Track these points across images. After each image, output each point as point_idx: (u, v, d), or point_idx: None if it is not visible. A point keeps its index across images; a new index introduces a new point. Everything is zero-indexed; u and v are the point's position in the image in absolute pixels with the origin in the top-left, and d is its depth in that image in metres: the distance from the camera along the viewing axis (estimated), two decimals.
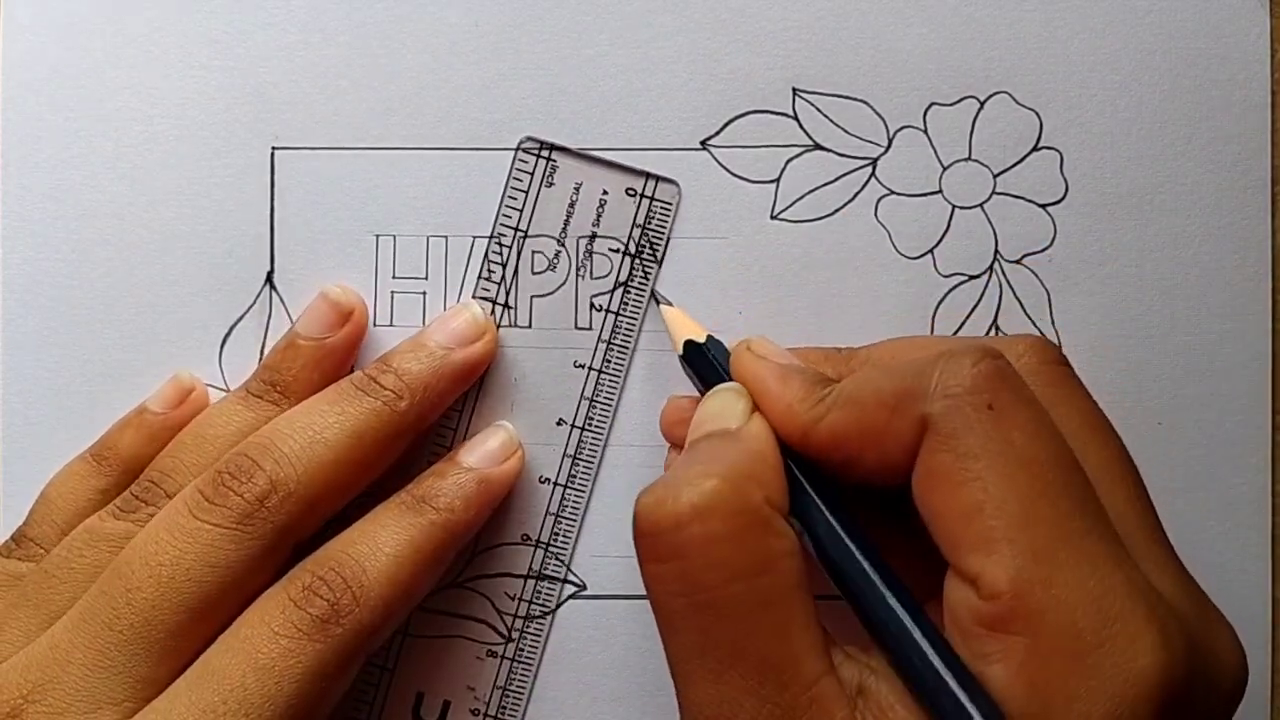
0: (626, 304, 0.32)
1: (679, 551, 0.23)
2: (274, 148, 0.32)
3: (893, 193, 0.32)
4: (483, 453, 0.30)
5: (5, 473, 0.32)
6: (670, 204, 0.31)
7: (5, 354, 0.32)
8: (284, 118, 0.32)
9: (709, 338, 0.29)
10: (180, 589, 0.27)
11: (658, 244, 0.31)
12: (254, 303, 0.32)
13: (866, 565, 0.24)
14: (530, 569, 0.31)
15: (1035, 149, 0.32)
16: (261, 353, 0.32)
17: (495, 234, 0.32)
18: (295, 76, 0.32)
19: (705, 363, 0.29)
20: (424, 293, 0.32)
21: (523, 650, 0.31)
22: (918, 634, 0.23)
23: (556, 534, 0.31)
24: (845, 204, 0.32)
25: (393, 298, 0.32)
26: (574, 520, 0.31)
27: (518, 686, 0.31)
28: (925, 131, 0.32)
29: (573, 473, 0.31)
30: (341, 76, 0.32)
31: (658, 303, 0.31)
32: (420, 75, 0.32)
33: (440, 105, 0.32)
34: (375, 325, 0.32)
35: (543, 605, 0.31)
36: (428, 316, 0.32)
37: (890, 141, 0.32)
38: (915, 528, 0.24)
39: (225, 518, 0.27)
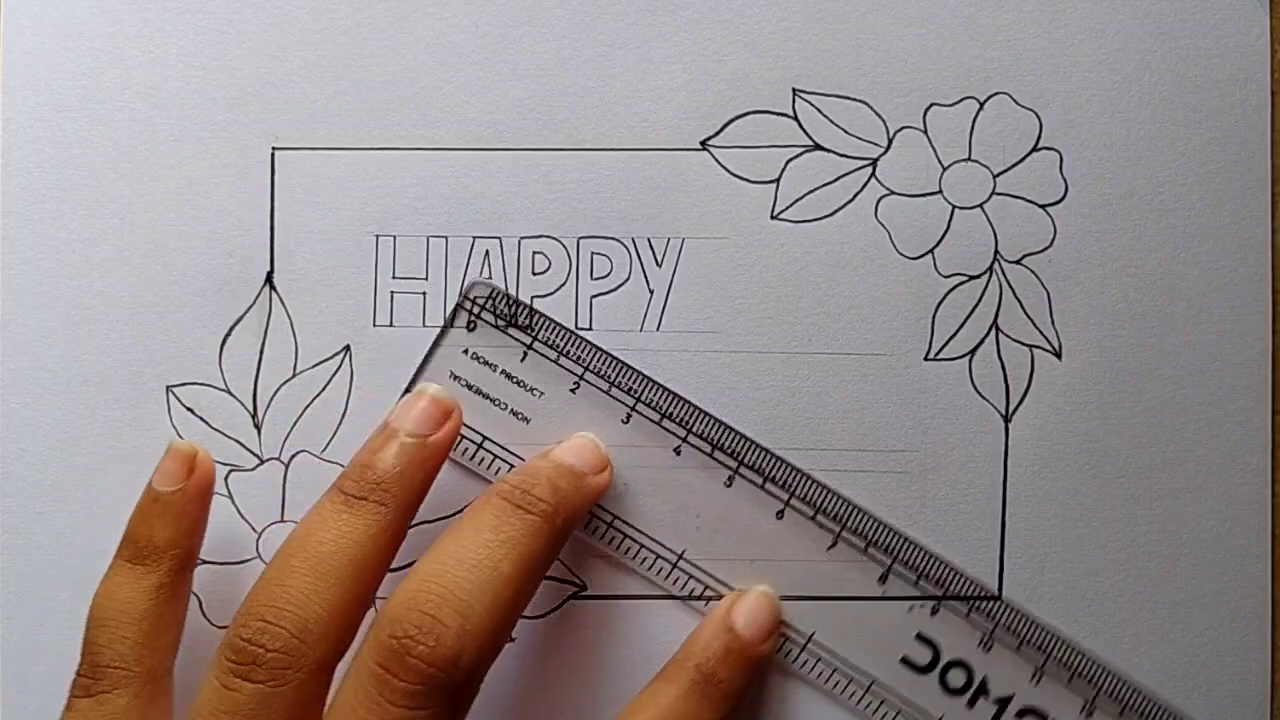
0: (602, 371, 0.32)
1: None
2: (274, 148, 0.32)
3: (893, 193, 0.32)
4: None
5: (5, 472, 0.32)
6: (488, 287, 0.31)
7: (5, 354, 0.32)
8: (284, 118, 0.32)
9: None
10: None
11: (530, 322, 0.31)
12: (254, 303, 0.32)
13: None
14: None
15: (1035, 149, 0.32)
16: (261, 353, 0.32)
17: None
18: (295, 76, 0.32)
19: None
20: (424, 293, 0.32)
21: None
22: None
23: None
24: (845, 204, 0.32)
25: (392, 298, 0.32)
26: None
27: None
28: (925, 132, 0.32)
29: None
30: (341, 76, 0.32)
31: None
32: (420, 75, 0.32)
33: (440, 105, 0.32)
34: (375, 325, 0.32)
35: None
36: (428, 317, 0.32)
37: (890, 142, 0.32)
38: None
39: (417, 699, 0.25)
